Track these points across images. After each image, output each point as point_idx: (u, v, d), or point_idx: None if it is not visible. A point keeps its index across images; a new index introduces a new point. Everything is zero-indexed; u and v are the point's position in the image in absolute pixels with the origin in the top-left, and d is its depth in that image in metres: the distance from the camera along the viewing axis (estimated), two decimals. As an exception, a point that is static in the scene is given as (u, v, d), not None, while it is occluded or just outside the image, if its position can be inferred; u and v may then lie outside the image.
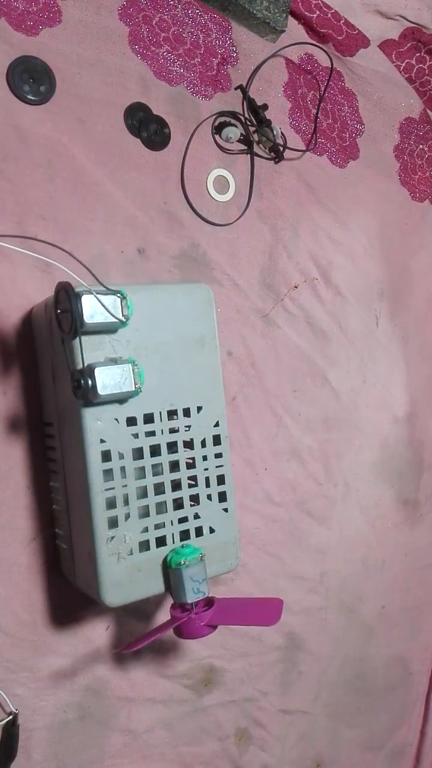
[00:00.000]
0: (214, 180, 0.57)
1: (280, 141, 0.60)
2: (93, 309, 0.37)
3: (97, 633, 0.50)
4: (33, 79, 0.47)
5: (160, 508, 0.43)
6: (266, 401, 0.61)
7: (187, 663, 0.56)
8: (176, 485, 0.43)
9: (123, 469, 0.41)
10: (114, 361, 0.38)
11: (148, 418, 0.42)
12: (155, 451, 0.42)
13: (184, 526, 0.43)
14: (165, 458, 0.43)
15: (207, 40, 0.56)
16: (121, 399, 0.40)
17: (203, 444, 0.45)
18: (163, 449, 0.43)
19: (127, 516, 0.41)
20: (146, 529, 0.42)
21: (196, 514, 0.44)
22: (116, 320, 0.39)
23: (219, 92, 0.58)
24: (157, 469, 0.42)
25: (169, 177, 0.55)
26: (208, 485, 0.45)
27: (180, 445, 0.43)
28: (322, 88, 0.65)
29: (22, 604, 0.47)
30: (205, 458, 0.44)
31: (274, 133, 0.59)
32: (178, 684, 0.56)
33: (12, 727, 0.46)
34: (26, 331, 0.47)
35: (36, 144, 0.48)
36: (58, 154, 0.49)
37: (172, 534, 0.43)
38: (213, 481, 0.45)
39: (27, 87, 0.47)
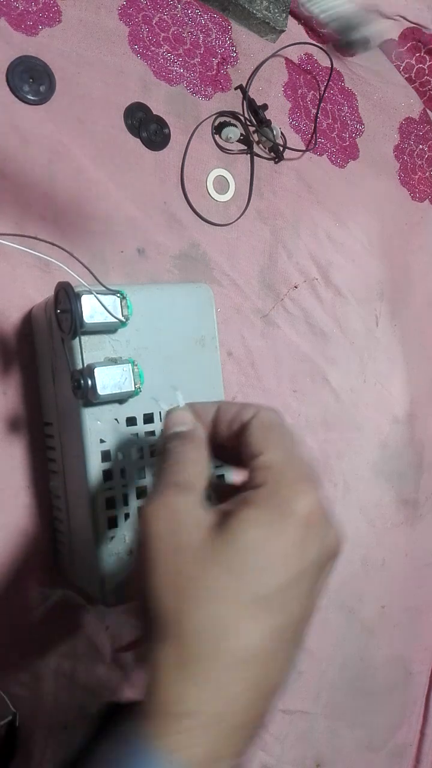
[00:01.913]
0: (213, 180, 0.57)
1: (280, 141, 0.60)
2: (93, 309, 0.37)
3: (97, 633, 0.50)
4: (33, 79, 0.47)
5: (160, 508, 0.43)
6: (266, 401, 0.61)
7: (187, 663, 0.56)
8: (176, 485, 0.43)
9: (123, 469, 0.41)
10: (114, 361, 0.38)
11: (148, 418, 0.42)
12: (155, 451, 0.42)
13: (184, 526, 0.43)
14: (165, 458, 0.43)
15: (207, 40, 0.56)
16: (121, 399, 0.40)
17: (203, 444, 0.45)
18: (163, 449, 0.43)
19: (127, 516, 0.41)
20: (146, 529, 0.42)
21: (196, 514, 0.44)
22: (116, 320, 0.39)
23: (219, 92, 0.58)
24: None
25: (169, 177, 0.55)
26: (208, 485, 0.45)
27: (180, 445, 0.43)
28: (322, 88, 0.65)
29: (22, 604, 0.47)
30: (205, 458, 0.44)
31: (274, 133, 0.59)
32: (178, 684, 0.56)
33: (12, 727, 0.46)
34: (26, 331, 0.47)
35: (36, 144, 0.48)
36: (58, 154, 0.49)
37: (172, 534, 0.43)
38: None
39: (27, 87, 0.47)
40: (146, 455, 0.42)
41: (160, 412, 0.42)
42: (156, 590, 0.25)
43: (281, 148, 0.60)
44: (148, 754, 0.23)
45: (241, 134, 0.58)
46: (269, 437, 0.30)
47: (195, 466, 0.30)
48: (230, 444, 0.31)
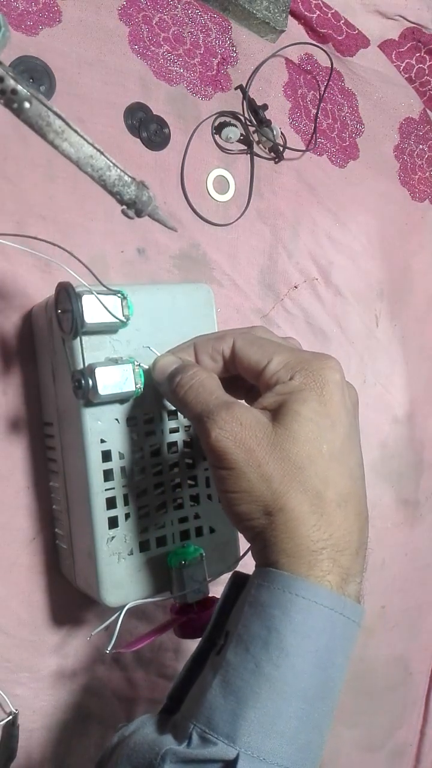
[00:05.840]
0: (214, 180, 0.57)
1: (280, 141, 0.60)
2: (94, 309, 0.37)
3: (97, 633, 0.50)
4: (33, 79, 0.47)
5: (161, 508, 0.43)
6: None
7: (187, 663, 0.56)
8: (176, 485, 0.43)
9: (123, 469, 0.41)
10: (114, 362, 0.38)
11: (149, 419, 0.42)
12: (155, 451, 0.42)
13: (184, 526, 0.43)
14: (165, 458, 0.43)
15: (207, 40, 0.56)
16: (121, 399, 0.40)
17: (203, 444, 0.45)
18: (164, 449, 0.43)
19: (128, 516, 0.41)
20: (146, 529, 0.42)
21: (197, 514, 0.44)
22: (117, 320, 0.39)
23: (219, 92, 0.58)
24: (157, 469, 0.42)
25: (169, 177, 0.55)
26: (208, 485, 0.45)
27: (180, 445, 0.43)
28: (322, 88, 0.65)
29: (22, 604, 0.47)
30: (205, 458, 0.44)
31: (274, 133, 0.59)
32: (178, 684, 0.56)
33: (12, 727, 0.46)
34: (26, 331, 0.47)
35: (36, 144, 0.48)
36: (58, 154, 0.49)
37: (173, 534, 0.43)
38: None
39: (27, 87, 0.47)
40: (146, 455, 0.42)
41: (164, 409, 0.42)
42: (257, 485, 0.31)
43: (281, 148, 0.60)
44: (303, 588, 0.29)
45: (241, 134, 0.58)
46: (265, 346, 0.35)
47: (214, 380, 0.35)
48: (215, 372, 0.37)
